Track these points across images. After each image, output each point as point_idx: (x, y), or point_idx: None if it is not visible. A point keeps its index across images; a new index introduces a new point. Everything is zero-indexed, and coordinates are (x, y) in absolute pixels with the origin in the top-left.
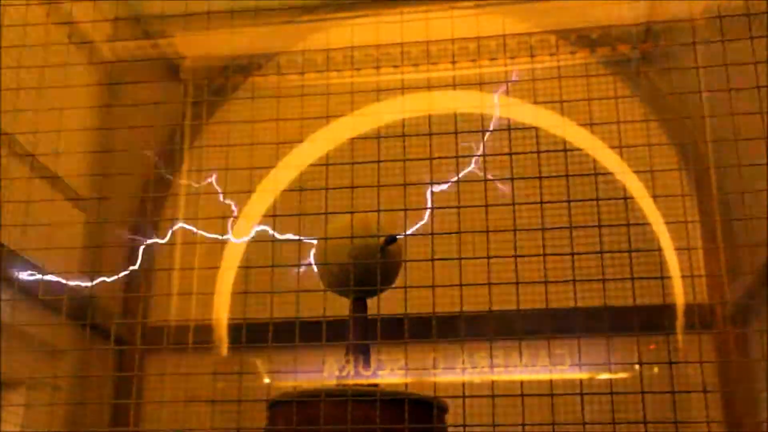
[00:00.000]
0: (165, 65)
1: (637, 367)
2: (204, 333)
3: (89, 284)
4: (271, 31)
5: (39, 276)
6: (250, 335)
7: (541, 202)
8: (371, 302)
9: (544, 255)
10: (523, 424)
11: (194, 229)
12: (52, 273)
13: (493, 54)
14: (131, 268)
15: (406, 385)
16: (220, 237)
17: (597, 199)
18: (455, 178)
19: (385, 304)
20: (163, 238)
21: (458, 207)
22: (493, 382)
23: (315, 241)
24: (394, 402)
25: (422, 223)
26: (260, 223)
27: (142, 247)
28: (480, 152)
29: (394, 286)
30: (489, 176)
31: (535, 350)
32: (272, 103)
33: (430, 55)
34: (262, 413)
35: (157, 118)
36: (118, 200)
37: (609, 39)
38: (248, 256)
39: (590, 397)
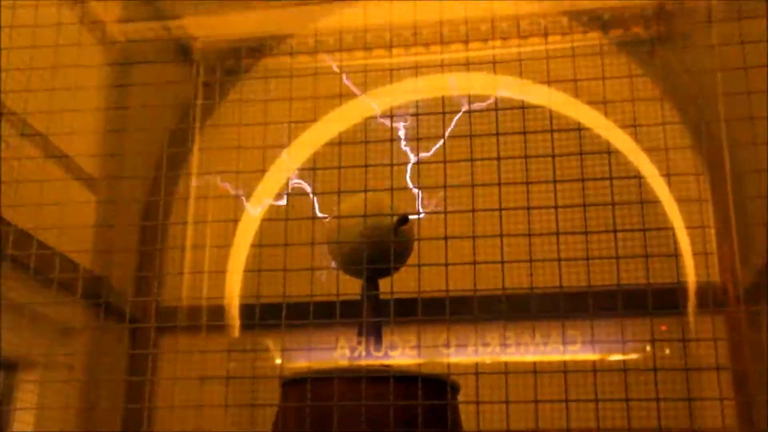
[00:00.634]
0: (176, 47)
1: (648, 348)
2: (216, 313)
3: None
4: (282, 13)
5: (53, 255)
6: (262, 316)
7: (555, 181)
8: (383, 285)
9: (558, 234)
10: (536, 401)
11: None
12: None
13: (506, 35)
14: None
15: (419, 365)
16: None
17: (611, 178)
18: (469, 158)
19: (397, 285)
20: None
21: (471, 186)
22: (506, 363)
23: (327, 220)
24: (406, 381)
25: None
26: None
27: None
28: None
29: (407, 264)
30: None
31: (548, 330)
32: (285, 84)
33: (443, 37)
34: (273, 394)
35: (169, 99)
36: (130, 180)
37: (622, 20)
38: (261, 235)
39: (602, 377)
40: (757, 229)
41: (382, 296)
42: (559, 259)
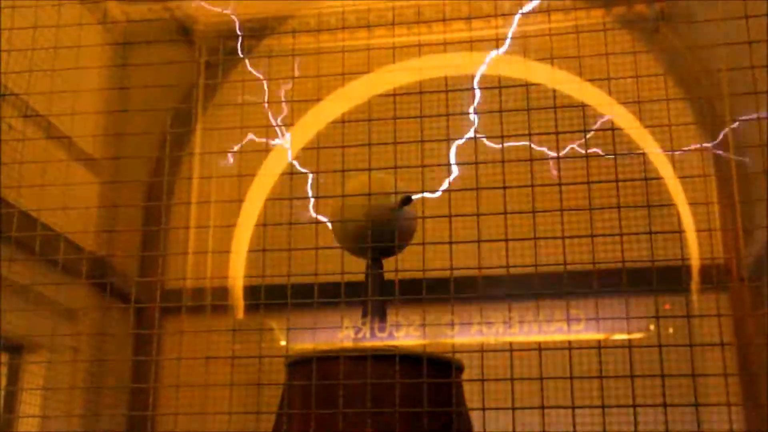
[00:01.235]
0: (177, 28)
1: (653, 327)
2: (221, 295)
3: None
4: None
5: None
6: (266, 297)
7: (558, 158)
8: (388, 265)
9: (562, 210)
10: (541, 378)
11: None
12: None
13: (508, 13)
14: None
15: (424, 346)
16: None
17: (614, 155)
18: (472, 136)
19: (402, 266)
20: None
21: (476, 163)
22: (510, 344)
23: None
24: (411, 361)
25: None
26: (276, 182)
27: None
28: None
29: (411, 243)
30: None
31: (552, 311)
32: (287, 64)
33: (446, 15)
34: (278, 375)
35: (171, 79)
36: (133, 162)
37: None
38: (265, 215)
39: (606, 357)
40: (760, 205)
41: (386, 276)
42: (564, 237)
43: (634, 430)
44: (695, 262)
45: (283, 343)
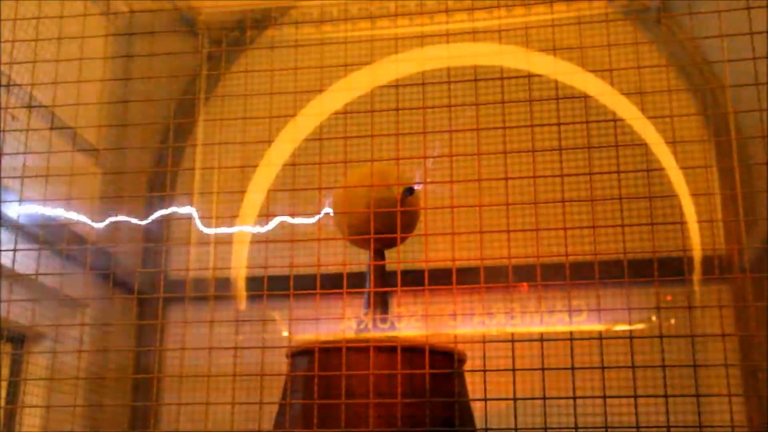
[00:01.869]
0: (180, 19)
1: (654, 318)
2: (223, 285)
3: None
4: None
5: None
6: (269, 287)
7: (560, 149)
8: (390, 256)
9: (564, 201)
10: (543, 369)
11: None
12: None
13: (511, 4)
14: None
15: (426, 336)
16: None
17: (616, 146)
18: (475, 127)
19: (404, 257)
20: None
21: (477, 154)
22: (512, 335)
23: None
24: (413, 352)
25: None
26: (279, 174)
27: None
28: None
29: (413, 234)
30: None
31: (554, 302)
32: (290, 55)
33: (448, 6)
34: (279, 366)
35: (174, 70)
36: (135, 152)
37: None
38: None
39: (607, 348)
40: (762, 196)
41: (388, 267)
42: (565, 228)
43: (635, 421)
44: (697, 253)
45: (285, 333)
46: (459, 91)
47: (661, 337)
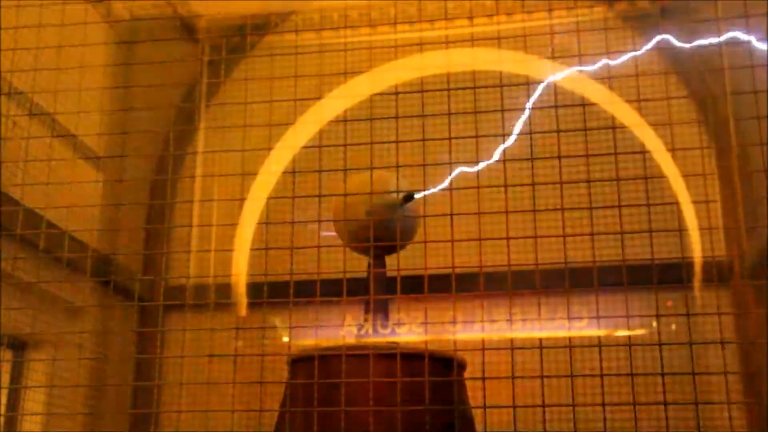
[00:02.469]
0: (180, 25)
1: (654, 324)
2: (224, 291)
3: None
4: None
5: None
6: (269, 294)
7: (560, 157)
8: (390, 262)
9: (563, 209)
10: (542, 377)
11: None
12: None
13: (510, 10)
14: None
15: (426, 342)
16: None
17: (615, 153)
18: (474, 135)
19: (403, 264)
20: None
21: (476, 162)
22: (512, 340)
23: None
24: (413, 358)
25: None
26: (279, 181)
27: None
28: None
29: (413, 241)
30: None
31: (554, 307)
32: (290, 61)
33: (447, 12)
34: (279, 373)
35: (174, 77)
36: (136, 159)
37: None
38: (267, 213)
39: (608, 354)
40: (762, 203)
41: (388, 273)
42: (564, 235)
43: (634, 428)
44: (697, 260)
45: (286, 339)
46: (459, 98)
47: (660, 344)
